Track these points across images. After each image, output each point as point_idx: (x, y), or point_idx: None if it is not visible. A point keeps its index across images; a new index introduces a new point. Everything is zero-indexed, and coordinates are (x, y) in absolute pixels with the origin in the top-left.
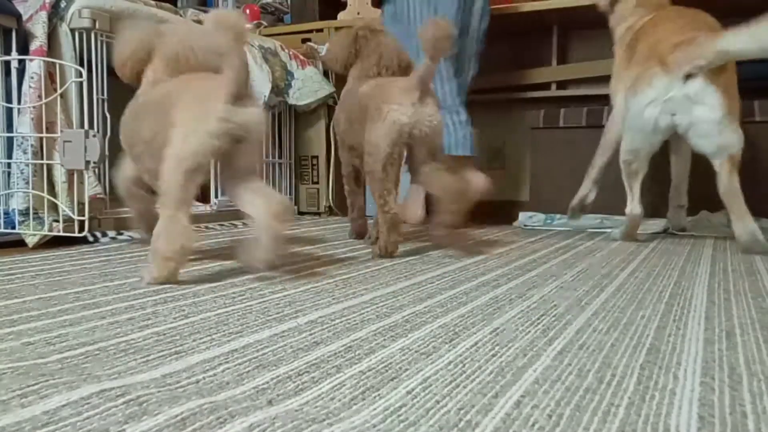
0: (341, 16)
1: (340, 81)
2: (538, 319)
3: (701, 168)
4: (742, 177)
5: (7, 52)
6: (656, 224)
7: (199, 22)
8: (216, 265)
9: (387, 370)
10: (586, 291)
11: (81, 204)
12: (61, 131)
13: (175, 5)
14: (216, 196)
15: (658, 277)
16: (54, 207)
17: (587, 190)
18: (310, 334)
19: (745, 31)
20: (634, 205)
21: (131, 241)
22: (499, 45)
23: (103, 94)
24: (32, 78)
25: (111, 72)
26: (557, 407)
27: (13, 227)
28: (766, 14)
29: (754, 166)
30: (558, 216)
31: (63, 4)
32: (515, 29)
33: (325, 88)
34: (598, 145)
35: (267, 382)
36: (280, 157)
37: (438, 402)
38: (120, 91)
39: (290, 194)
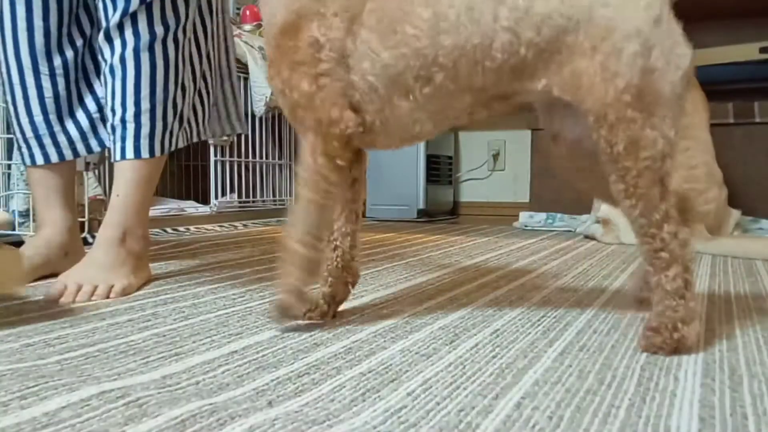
0: None
1: None
2: (539, 320)
3: None
4: (743, 177)
5: None
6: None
7: None
8: (215, 267)
9: (387, 372)
10: (586, 292)
11: (81, 205)
12: None
13: None
14: (216, 197)
15: None
16: None
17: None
18: (310, 336)
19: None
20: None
21: None
22: None
23: None
24: None
25: None
26: (558, 409)
27: (13, 228)
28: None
29: (754, 166)
30: (559, 216)
31: None
32: None
33: None
34: None
35: (267, 384)
36: (280, 158)
37: (438, 403)
38: None
39: (290, 195)
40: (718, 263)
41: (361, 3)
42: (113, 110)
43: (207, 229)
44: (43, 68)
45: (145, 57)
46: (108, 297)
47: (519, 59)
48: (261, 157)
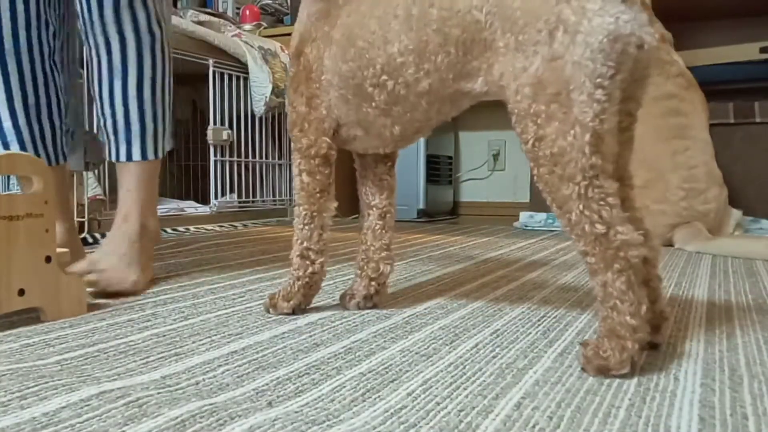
0: None
1: None
2: (539, 320)
3: None
4: (743, 177)
5: None
6: None
7: (200, 23)
8: (215, 267)
9: (387, 372)
10: (586, 292)
11: (81, 205)
12: None
13: (175, 6)
14: (216, 197)
15: None
16: None
17: None
18: (310, 336)
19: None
20: None
21: None
22: None
23: None
24: None
25: None
26: (558, 409)
27: None
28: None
29: (754, 166)
30: None
31: None
32: None
33: None
34: None
35: (267, 384)
36: (280, 157)
37: (438, 404)
38: None
39: (290, 196)
40: (718, 263)
41: (335, 20)
42: (113, 108)
43: (207, 229)
44: (13, 72)
45: (147, 58)
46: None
47: (452, 59)
48: (261, 157)
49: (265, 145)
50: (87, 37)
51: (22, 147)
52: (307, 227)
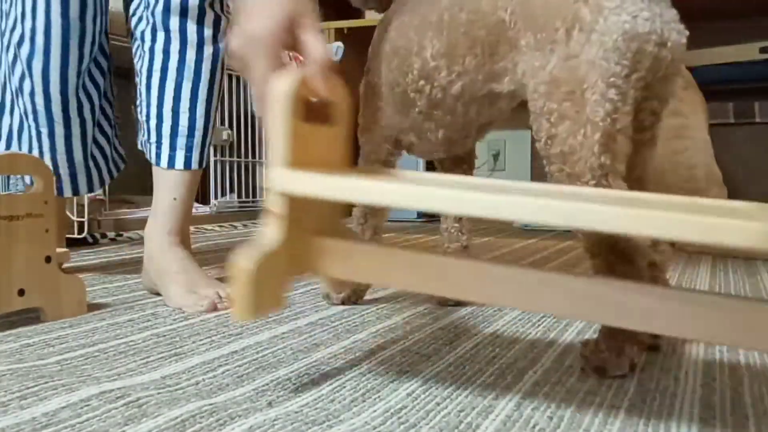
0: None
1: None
2: (539, 320)
3: None
4: (743, 177)
5: None
6: None
7: None
8: (215, 266)
9: (387, 372)
10: None
11: (80, 205)
12: None
13: None
14: (216, 197)
15: None
16: None
17: None
18: (310, 336)
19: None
20: None
21: (131, 242)
22: None
23: None
24: None
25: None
26: (558, 409)
27: None
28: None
29: (754, 166)
30: None
31: None
32: None
33: None
34: None
35: (267, 384)
36: None
37: (438, 404)
38: (120, 92)
39: None
40: (719, 263)
41: (385, 35)
42: (176, 112)
43: (207, 229)
44: (57, 116)
45: (216, 69)
46: None
47: (479, 60)
48: (261, 157)
49: (265, 145)
50: (144, 37)
51: (74, 183)
52: (360, 227)
